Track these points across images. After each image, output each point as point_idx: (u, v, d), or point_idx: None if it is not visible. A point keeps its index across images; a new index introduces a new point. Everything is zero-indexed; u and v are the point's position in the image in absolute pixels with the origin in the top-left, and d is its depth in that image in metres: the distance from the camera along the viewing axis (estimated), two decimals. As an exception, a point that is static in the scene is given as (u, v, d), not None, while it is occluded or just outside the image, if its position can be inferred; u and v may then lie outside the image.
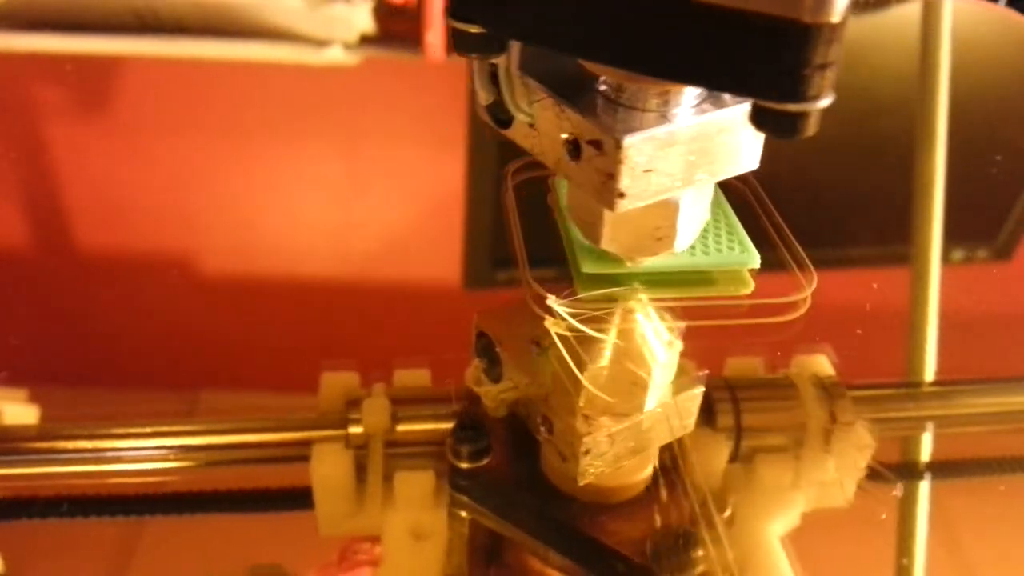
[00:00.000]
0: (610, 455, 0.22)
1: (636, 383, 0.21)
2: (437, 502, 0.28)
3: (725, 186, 0.23)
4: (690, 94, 0.18)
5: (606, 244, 0.20)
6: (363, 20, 0.56)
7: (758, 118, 0.15)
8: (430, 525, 0.27)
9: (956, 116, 0.46)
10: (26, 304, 0.50)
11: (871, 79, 0.54)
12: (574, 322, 0.20)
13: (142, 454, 0.28)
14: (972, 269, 0.48)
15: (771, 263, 0.22)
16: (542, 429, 0.22)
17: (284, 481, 0.31)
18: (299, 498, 0.31)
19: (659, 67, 0.16)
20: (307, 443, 0.28)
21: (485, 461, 0.24)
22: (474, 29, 0.17)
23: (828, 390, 0.29)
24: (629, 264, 0.21)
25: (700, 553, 0.22)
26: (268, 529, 0.32)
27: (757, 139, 0.19)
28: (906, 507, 0.32)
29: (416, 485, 0.28)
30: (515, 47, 0.18)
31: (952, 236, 0.41)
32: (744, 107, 0.18)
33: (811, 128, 0.15)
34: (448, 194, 0.55)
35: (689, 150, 0.18)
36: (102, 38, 0.54)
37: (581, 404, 0.21)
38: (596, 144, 0.17)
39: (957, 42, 0.49)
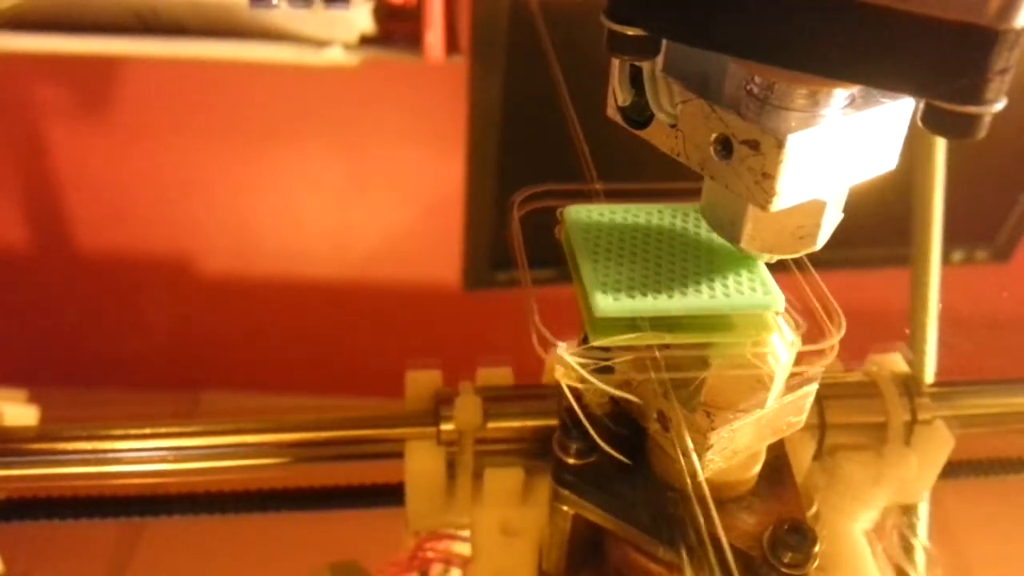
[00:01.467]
0: (728, 451, 0.22)
1: (759, 382, 0.21)
2: (524, 499, 0.28)
3: None
4: (840, 95, 0.18)
5: (746, 243, 0.20)
6: (363, 21, 0.56)
7: (932, 119, 0.16)
8: (519, 521, 0.27)
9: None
10: (27, 305, 0.50)
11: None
12: (584, 373, 0.20)
13: (142, 455, 0.28)
14: (971, 270, 0.48)
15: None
16: (656, 425, 0.22)
17: (286, 482, 0.31)
18: (301, 500, 0.31)
19: (836, 69, 0.16)
20: (400, 440, 0.28)
21: (593, 458, 0.24)
22: (632, 31, 0.17)
23: (908, 388, 0.29)
24: (646, 308, 0.20)
25: (817, 549, 0.21)
26: (269, 530, 0.32)
27: (897, 140, 0.19)
28: (906, 507, 0.32)
29: (506, 481, 0.28)
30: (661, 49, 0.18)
31: (952, 237, 0.41)
32: (887, 107, 0.18)
33: (984, 130, 0.15)
34: (448, 195, 0.55)
35: (838, 149, 0.18)
36: (103, 39, 0.54)
37: (703, 399, 0.21)
38: (751, 144, 0.17)
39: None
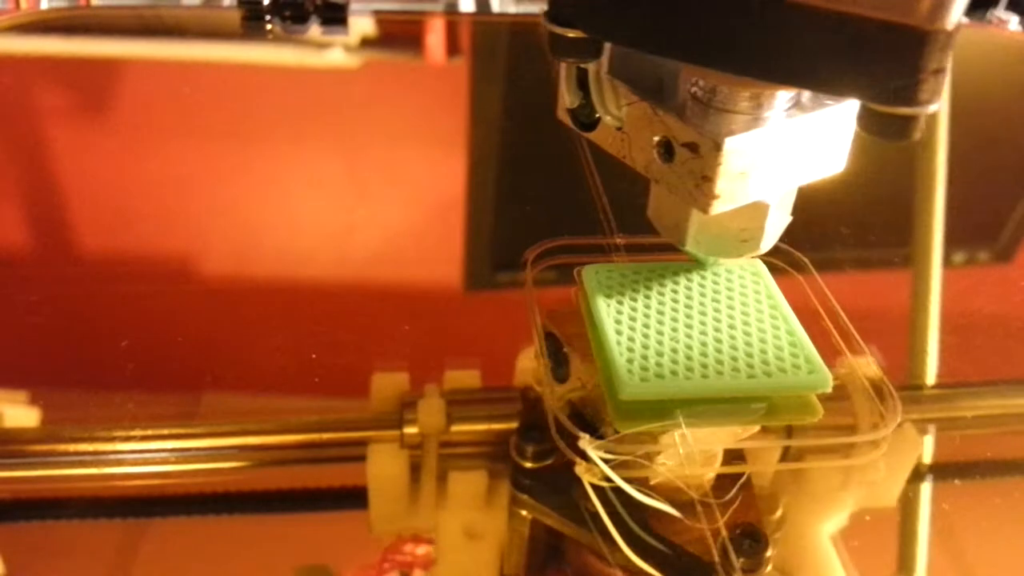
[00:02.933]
0: (681, 454, 0.22)
1: None
2: (489, 502, 0.28)
3: (775, 271, 0.22)
4: (782, 97, 0.18)
5: (691, 245, 0.20)
6: (364, 22, 0.56)
7: (867, 121, 0.16)
8: (483, 524, 0.27)
9: (957, 118, 0.46)
10: (27, 306, 0.50)
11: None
12: (610, 471, 0.19)
13: (144, 456, 0.28)
14: (973, 271, 0.48)
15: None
16: (611, 429, 0.22)
17: (290, 483, 0.31)
18: (303, 501, 0.31)
19: (772, 72, 0.16)
20: (363, 443, 0.28)
21: (550, 461, 0.24)
22: (572, 34, 0.17)
23: (877, 391, 0.29)
24: (680, 388, 0.19)
25: (769, 553, 0.21)
26: (269, 531, 0.32)
27: (844, 142, 0.19)
28: (907, 509, 0.32)
29: (470, 485, 0.28)
30: (606, 51, 0.18)
31: (953, 238, 0.41)
32: (833, 110, 0.18)
33: (919, 132, 0.15)
34: (449, 196, 0.55)
35: (782, 152, 0.18)
36: (102, 41, 0.54)
37: None
38: (691, 147, 0.17)
39: (958, 43, 0.49)
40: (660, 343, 0.20)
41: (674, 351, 0.19)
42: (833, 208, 0.45)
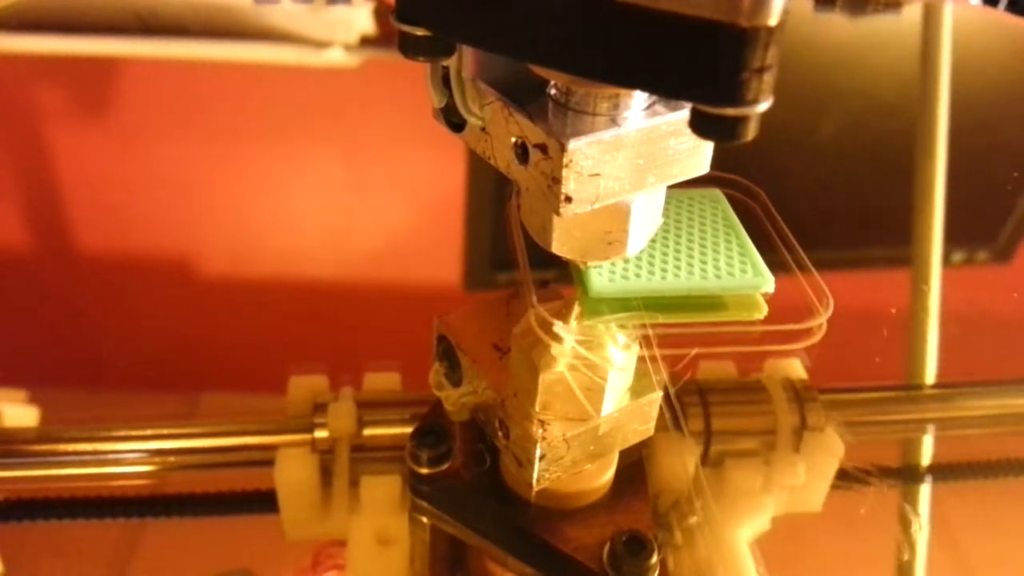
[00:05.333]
0: (567, 460, 0.21)
1: (591, 388, 0.21)
2: (403, 507, 0.27)
3: (734, 202, 0.23)
4: (640, 98, 0.18)
5: (556, 248, 0.20)
6: (363, 21, 0.56)
7: (697, 123, 0.15)
8: (396, 530, 0.27)
9: (957, 118, 0.46)
10: (26, 306, 0.50)
11: (872, 82, 0.54)
12: (580, 349, 0.20)
13: (142, 456, 0.28)
14: (972, 271, 0.48)
15: (781, 278, 0.22)
16: (500, 434, 0.22)
17: (265, 483, 0.31)
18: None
19: (597, 70, 0.16)
20: (274, 447, 0.28)
21: (445, 466, 0.24)
22: (420, 32, 0.17)
23: (799, 394, 0.29)
24: (639, 288, 0.20)
25: (654, 560, 0.21)
26: (269, 532, 0.32)
27: (708, 143, 0.19)
28: (907, 508, 0.32)
29: (382, 489, 0.27)
30: (466, 50, 0.18)
31: (952, 238, 0.41)
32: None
33: (750, 133, 0.15)
34: (448, 196, 0.55)
35: (638, 154, 0.18)
36: (103, 39, 0.54)
37: (536, 409, 0.21)
38: (542, 148, 0.17)
39: (958, 45, 0.49)
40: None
41: (638, 259, 0.21)
42: (832, 207, 0.46)
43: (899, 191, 0.45)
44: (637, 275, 0.20)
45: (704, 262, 0.21)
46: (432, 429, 0.24)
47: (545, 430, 0.21)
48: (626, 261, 0.21)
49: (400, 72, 0.58)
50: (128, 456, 0.28)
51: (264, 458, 0.28)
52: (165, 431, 0.29)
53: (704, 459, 0.28)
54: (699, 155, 0.19)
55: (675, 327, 0.20)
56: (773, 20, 0.13)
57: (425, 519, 0.24)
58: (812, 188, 0.44)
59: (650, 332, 0.20)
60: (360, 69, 0.55)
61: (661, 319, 0.20)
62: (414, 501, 0.24)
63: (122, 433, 0.29)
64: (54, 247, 0.53)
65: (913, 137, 0.47)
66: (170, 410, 0.40)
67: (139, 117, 0.59)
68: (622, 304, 0.20)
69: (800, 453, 0.28)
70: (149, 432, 0.29)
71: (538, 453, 0.21)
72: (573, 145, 0.17)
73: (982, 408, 0.32)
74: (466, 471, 0.24)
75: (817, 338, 0.20)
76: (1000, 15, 0.59)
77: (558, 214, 0.17)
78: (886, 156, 0.50)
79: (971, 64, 0.54)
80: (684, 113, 0.18)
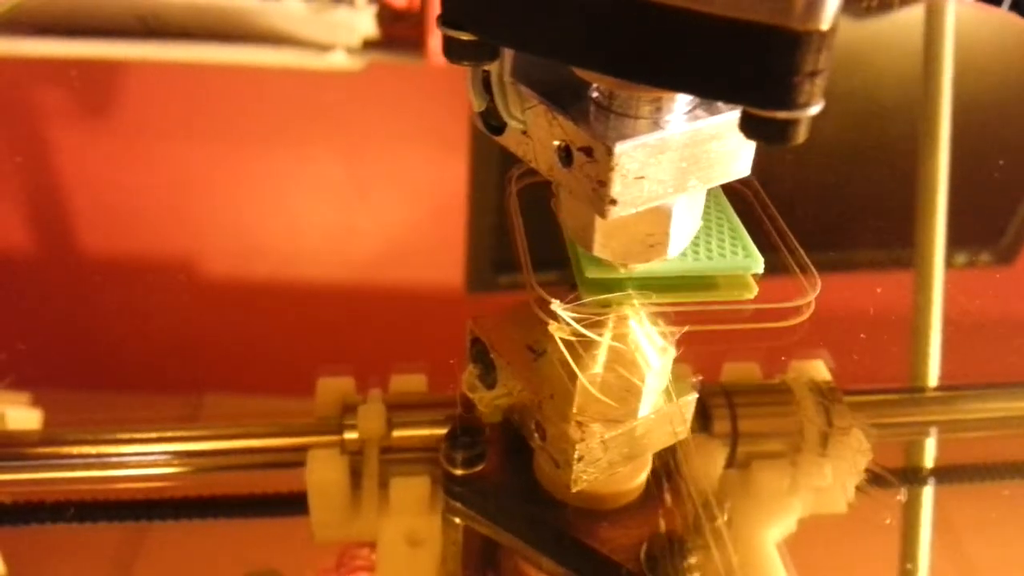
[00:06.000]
0: (603, 461, 0.22)
1: (629, 389, 0.21)
2: (432, 508, 0.28)
3: (728, 189, 0.23)
4: (682, 101, 0.18)
5: (598, 251, 0.20)
6: (366, 25, 0.56)
7: (747, 125, 0.15)
8: (425, 531, 0.27)
9: (959, 119, 0.46)
10: (28, 308, 0.50)
11: (874, 82, 0.54)
12: (578, 327, 0.20)
13: (145, 459, 0.28)
14: (975, 273, 0.48)
15: (775, 267, 0.22)
16: (535, 435, 0.22)
17: (286, 486, 0.31)
18: (300, 503, 0.31)
19: (648, 74, 0.16)
20: (303, 448, 0.28)
21: (479, 467, 0.24)
22: (465, 36, 0.17)
23: (825, 395, 0.29)
24: (631, 269, 0.21)
25: (694, 560, 0.21)
26: (269, 533, 0.32)
27: (749, 146, 0.19)
28: (910, 512, 0.31)
29: (411, 491, 0.27)
30: (508, 54, 0.18)
31: (955, 240, 0.41)
32: (734, 114, 0.18)
33: (801, 136, 0.15)
34: (450, 198, 0.55)
35: (681, 157, 0.18)
36: (106, 43, 0.55)
37: (574, 410, 0.21)
38: (587, 151, 0.17)
39: (960, 46, 0.49)
40: None
41: None
42: (834, 209, 0.45)
43: (901, 192, 0.45)
44: None
45: (696, 244, 0.21)
46: (466, 430, 0.24)
47: (583, 432, 0.21)
48: None
49: (402, 75, 0.58)
50: (131, 459, 0.28)
51: (290, 460, 0.28)
52: (186, 433, 0.29)
53: (731, 461, 0.28)
54: (740, 158, 0.19)
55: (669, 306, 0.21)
56: (826, 25, 0.14)
57: (458, 520, 0.24)
58: (812, 189, 0.44)
59: (641, 311, 0.21)
60: (363, 72, 0.56)
61: (655, 299, 0.21)
62: (447, 502, 0.24)
63: (126, 436, 0.28)
64: (57, 250, 0.53)
65: (915, 138, 0.47)
66: (173, 412, 0.40)
67: (141, 119, 0.59)
68: (617, 284, 0.21)
69: (827, 455, 0.28)
70: (153, 435, 0.29)
71: (576, 455, 0.21)
72: (620, 148, 0.17)
73: (985, 411, 0.32)
74: (500, 472, 0.24)
75: (806, 316, 0.21)
76: (1003, 15, 0.58)
77: (603, 216, 0.18)
78: (888, 157, 0.50)
79: (974, 65, 0.54)
80: (726, 116, 0.18)
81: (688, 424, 0.23)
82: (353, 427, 0.28)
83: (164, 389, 0.46)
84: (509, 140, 0.20)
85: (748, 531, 0.27)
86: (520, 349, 0.22)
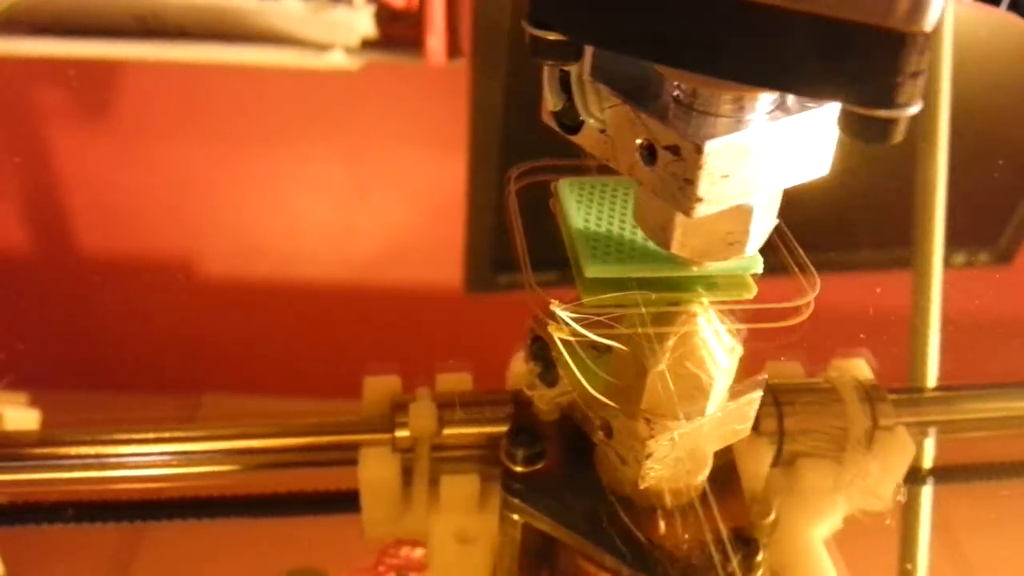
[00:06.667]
0: (670, 459, 0.22)
1: (699, 387, 0.21)
2: (482, 506, 0.28)
3: None
4: (765, 100, 0.18)
5: (676, 248, 0.20)
6: (364, 24, 0.56)
7: (847, 124, 0.15)
8: (475, 529, 0.27)
9: (958, 119, 0.46)
10: (28, 308, 0.50)
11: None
12: (579, 328, 0.20)
13: (144, 460, 0.28)
14: (974, 273, 0.48)
15: (773, 266, 0.22)
16: (600, 433, 0.22)
17: (288, 486, 0.31)
18: (302, 504, 0.31)
19: (748, 73, 0.16)
20: (354, 447, 0.28)
21: (540, 465, 0.24)
22: (552, 36, 0.17)
23: (869, 394, 0.29)
24: (633, 268, 0.21)
25: (760, 558, 0.22)
26: (270, 534, 0.32)
27: (828, 144, 0.19)
28: (909, 511, 0.32)
29: (461, 488, 0.28)
30: (588, 53, 0.18)
31: (953, 240, 0.41)
32: (816, 113, 0.18)
33: (899, 135, 0.15)
34: (449, 198, 0.55)
35: (764, 155, 0.18)
36: (104, 42, 0.54)
37: (643, 407, 0.21)
38: (673, 149, 0.17)
39: (959, 46, 0.49)
40: (622, 235, 0.22)
41: (632, 241, 0.21)
42: (833, 209, 0.45)
43: (900, 192, 0.45)
44: (632, 256, 0.21)
45: None
46: (525, 428, 0.24)
47: (651, 428, 0.21)
48: (621, 243, 0.21)
49: (401, 75, 0.58)
50: (130, 460, 0.28)
51: (339, 459, 0.28)
52: (167, 434, 0.29)
53: (777, 459, 0.28)
54: (820, 156, 0.19)
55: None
56: (929, 26, 0.14)
57: (517, 517, 0.24)
58: (813, 190, 0.44)
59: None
60: (361, 72, 0.56)
61: (655, 298, 0.21)
62: (506, 499, 0.24)
63: (125, 436, 0.28)
64: (56, 250, 0.53)
65: (914, 138, 0.47)
66: (172, 412, 0.40)
67: (140, 119, 0.59)
68: (617, 284, 0.21)
69: (872, 452, 0.28)
70: (151, 435, 0.28)
71: (645, 451, 0.21)
72: (709, 147, 0.17)
73: (984, 411, 0.32)
74: (561, 469, 0.24)
75: (805, 316, 0.21)
76: (1002, 15, 0.58)
77: (688, 215, 0.18)
78: (886, 157, 0.50)
79: (973, 65, 0.54)
80: (808, 114, 0.18)
81: (750, 422, 0.23)
82: (404, 425, 0.27)
83: (163, 389, 0.46)
84: (585, 139, 0.20)
85: (795, 529, 0.27)
86: (583, 346, 0.22)
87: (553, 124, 0.20)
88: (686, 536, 0.23)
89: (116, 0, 0.54)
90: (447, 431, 0.28)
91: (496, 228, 0.54)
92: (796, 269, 0.22)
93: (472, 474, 0.28)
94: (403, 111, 0.60)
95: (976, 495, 0.33)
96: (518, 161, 0.25)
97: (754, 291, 0.21)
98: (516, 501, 0.24)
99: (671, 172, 0.18)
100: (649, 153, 0.18)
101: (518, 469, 0.24)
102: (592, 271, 0.21)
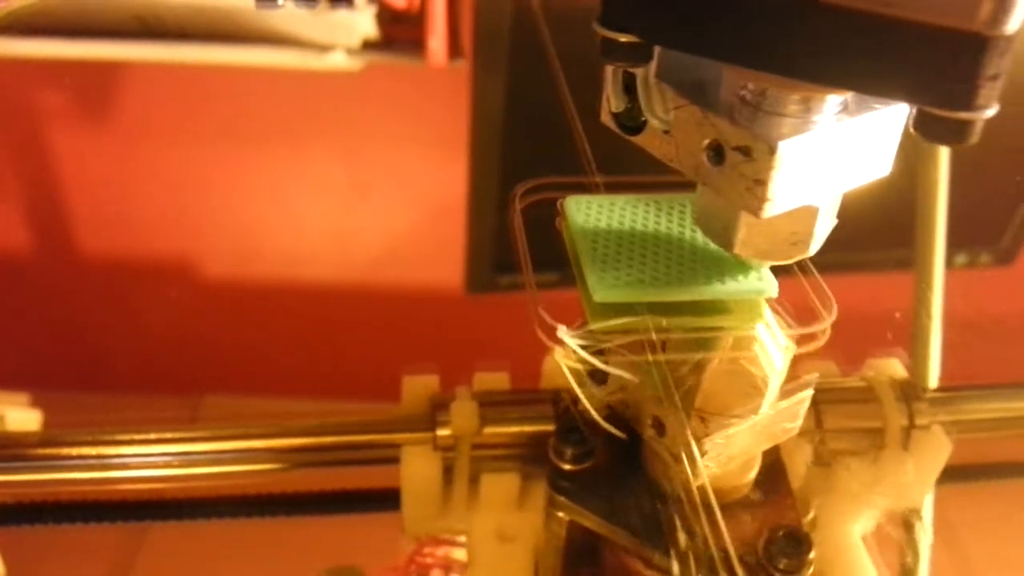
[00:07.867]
0: (723, 456, 0.22)
1: (754, 387, 0.21)
2: (522, 504, 0.28)
3: None
4: (832, 101, 0.18)
5: (739, 249, 0.20)
6: (366, 25, 0.56)
7: (923, 125, 0.16)
8: (516, 527, 0.27)
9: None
10: (29, 309, 0.50)
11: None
12: (585, 354, 0.20)
13: (145, 460, 0.28)
14: (975, 274, 0.48)
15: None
16: (652, 430, 0.22)
17: (291, 487, 0.31)
18: (303, 504, 0.31)
19: (826, 75, 0.16)
20: (395, 445, 0.28)
21: (589, 463, 0.24)
22: (624, 38, 0.17)
23: (905, 393, 0.29)
24: (643, 293, 0.21)
25: (811, 556, 0.22)
26: (271, 535, 0.32)
27: (891, 145, 0.19)
28: (910, 511, 0.31)
29: (502, 486, 0.28)
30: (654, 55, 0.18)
31: (955, 241, 0.41)
32: (879, 113, 0.18)
33: (975, 136, 0.15)
34: (450, 199, 0.55)
35: (830, 155, 0.18)
36: (105, 44, 0.54)
37: (698, 405, 0.21)
38: (744, 150, 0.17)
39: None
40: (631, 257, 0.21)
41: (642, 263, 0.21)
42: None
43: (901, 193, 0.45)
44: (641, 280, 0.21)
45: (708, 267, 0.21)
46: (574, 426, 0.24)
47: (706, 427, 0.21)
48: (630, 266, 0.21)
49: (402, 76, 0.58)
50: (131, 460, 0.28)
51: (381, 457, 0.28)
52: (168, 435, 0.29)
53: (815, 458, 0.29)
54: (882, 157, 0.19)
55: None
56: (1011, 30, 0.14)
57: (563, 515, 0.24)
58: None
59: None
60: (362, 73, 0.55)
61: (665, 323, 0.21)
62: (552, 497, 0.24)
63: (126, 437, 0.28)
64: (58, 251, 0.53)
65: (916, 139, 0.47)
66: (173, 413, 0.40)
67: (142, 120, 0.59)
68: (626, 309, 0.21)
69: (909, 451, 0.29)
70: (152, 436, 0.28)
71: (699, 449, 0.21)
72: (782, 147, 0.17)
73: (984, 411, 0.32)
74: (610, 467, 0.24)
75: (822, 342, 0.21)
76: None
77: (757, 215, 0.18)
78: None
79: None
80: (871, 115, 0.18)
81: (799, 421, 0.23)
82: (446, 424, 0.28)
83: (163, 390, 0.46)
84: (647, 140, 0.20)
85: (834, 526, 0.27)
86: (636, 345, 0.22)
87: (613, 125, 0.20)
88: (736, 533, 0.23)
89: (116, 1, 0.54)
90: (488, 430, 0.28)
91: (497, 229, 0.54)
92: (813, 297, 0.22)
93: (512, 472, 0.28)
94: (404, 112, 0.60)
95: (977, 495, 0.33)
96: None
97: (764, 318, 0.21)
98: (563, 499, 0.24)
99: (740, 172, 0.18)
100: (716, 154, 0.18)
101: (567, 467, 0.24)
102: (601, 295, 0.21)
